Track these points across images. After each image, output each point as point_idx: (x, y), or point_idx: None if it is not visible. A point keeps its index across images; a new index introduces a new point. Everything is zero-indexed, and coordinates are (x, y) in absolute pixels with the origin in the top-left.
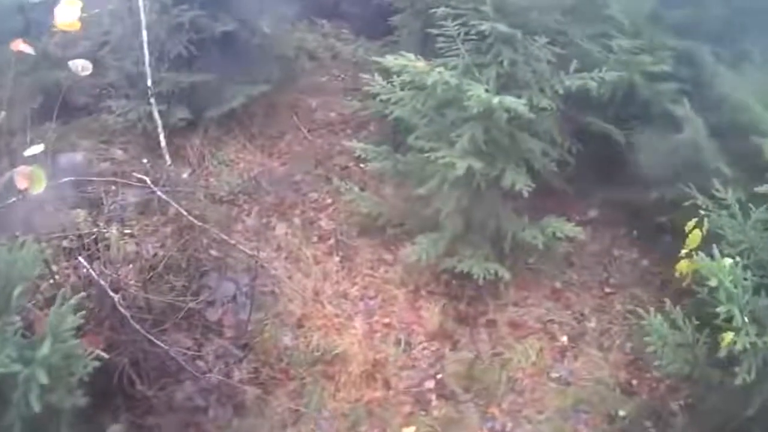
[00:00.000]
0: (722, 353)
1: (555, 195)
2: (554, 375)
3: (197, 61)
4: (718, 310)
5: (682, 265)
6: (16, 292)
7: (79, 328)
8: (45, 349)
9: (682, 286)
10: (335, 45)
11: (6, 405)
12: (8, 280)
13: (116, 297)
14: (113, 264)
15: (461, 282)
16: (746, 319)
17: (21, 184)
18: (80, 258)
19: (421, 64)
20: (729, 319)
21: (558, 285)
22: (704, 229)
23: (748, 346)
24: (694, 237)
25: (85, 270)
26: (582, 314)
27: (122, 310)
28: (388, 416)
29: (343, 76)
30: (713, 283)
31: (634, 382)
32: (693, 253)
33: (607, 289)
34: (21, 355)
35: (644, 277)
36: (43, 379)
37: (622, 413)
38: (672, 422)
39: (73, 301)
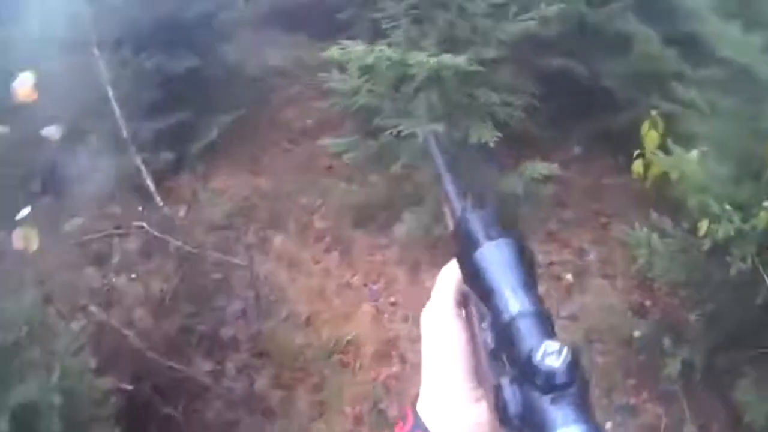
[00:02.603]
0: (706, 245)
1: (534, 141)
2: (564, 313)
3: (169, 102)
4: (689, 203)
5: (637, 167)
6: (23, 332)
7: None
8: (56, 372)
9: (677, 199)
10: (299, 55)
11: None
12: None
13: (130, 334)
14: (125, 308)
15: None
16: (727, 207)
17: (18, 244)
18: (92, 307)
19: (360, 47)
20: (706, 211)
21: (553, 227)
22: (660, 128)
23: (732, 233)
24: (651, 138)
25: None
26: (582, 249)
27: (137, 343)
28: (407, 388)
29: (312, 82)
30: (674, 176)
31: (647, 302)
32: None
33: (603, 219)
34: (40, 385)
35: (638, 200)
36: (58, 400)
37: (637, 334)
38: (689, 333)
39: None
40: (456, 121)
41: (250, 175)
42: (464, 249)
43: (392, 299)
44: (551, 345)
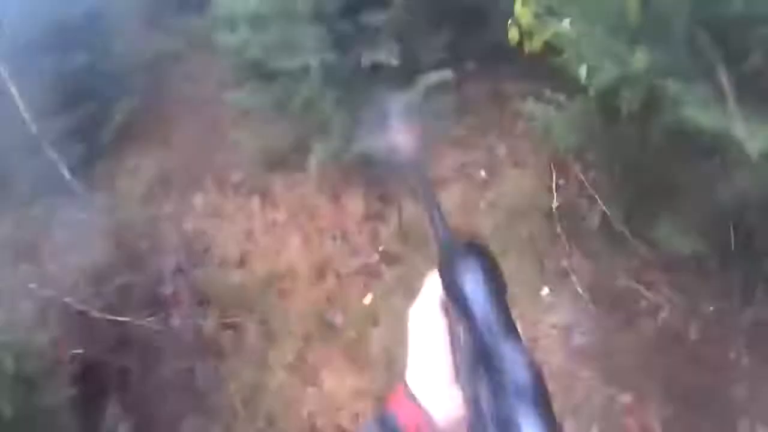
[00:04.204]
0: (592, 93)
1: (426, 63)
2: (483, 204)
3: (72, 98)
4: (567, 55)
5: (512, 35)
6: None
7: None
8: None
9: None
10: (188, 30)
11: None
12: None
13: (71, 300)
14: (64, 282)
15: (372, 168)
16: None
17: None
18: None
19: None
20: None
21: (459, 133)
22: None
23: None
24: (524, 13)
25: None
26: (490, 147)
27: (80, 306)
28: (348, 295)
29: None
30: (550, 38)
31: (561, 181)
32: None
33: (507, 122)
34: None
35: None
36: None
37: (556, 203)
38: (603, 193)
39: None
40: (346, 49)
41: (161, 150)
42: (446, 275)
43: (319, 225)
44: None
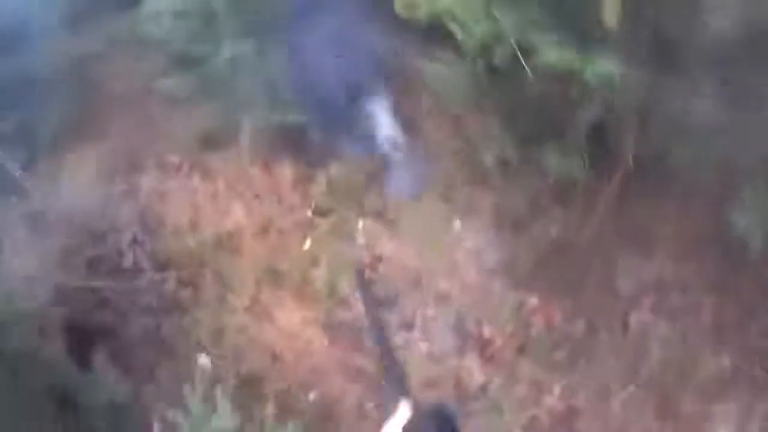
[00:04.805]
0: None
1: None
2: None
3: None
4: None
5: (398, 6)
6: None
7: None
8: None
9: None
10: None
11: None
12: None
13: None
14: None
15: (296, 138)
16: None
17: None
18: None
19: None
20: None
21: None
22: None
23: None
24: None
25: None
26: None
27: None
28: (289, 245)
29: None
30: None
31: (463, 129)
32: None
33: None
34: None
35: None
36: None
37: (459, 148)
38: (498, 132)
39: None
40: None
41: (100, 144)
42: None
43: (255, 192)
44: None
